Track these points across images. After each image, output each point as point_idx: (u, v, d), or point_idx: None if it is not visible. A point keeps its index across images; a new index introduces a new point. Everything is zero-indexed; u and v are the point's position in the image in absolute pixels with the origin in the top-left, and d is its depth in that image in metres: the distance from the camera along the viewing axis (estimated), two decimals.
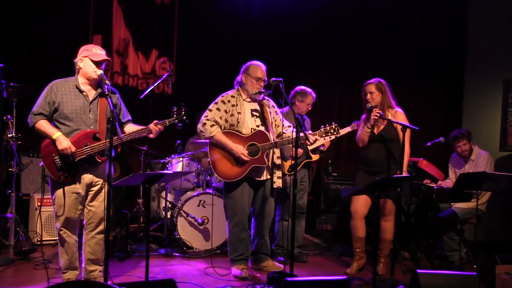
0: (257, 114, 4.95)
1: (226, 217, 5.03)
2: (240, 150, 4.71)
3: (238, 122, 4.83)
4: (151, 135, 4.32)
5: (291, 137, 4.70)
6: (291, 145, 4.73)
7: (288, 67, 7.78)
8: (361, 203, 5.26)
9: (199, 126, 4.84)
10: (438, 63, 8.02)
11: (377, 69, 7.08)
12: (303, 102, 5.75)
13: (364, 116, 5.38)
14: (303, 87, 5.82)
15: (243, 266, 4.96)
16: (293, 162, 4.52)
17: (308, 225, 6.39)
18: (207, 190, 6.21)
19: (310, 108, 5.82)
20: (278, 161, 4.99)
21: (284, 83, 4.55)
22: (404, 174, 5.00)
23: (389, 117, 5.11)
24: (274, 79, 4.65)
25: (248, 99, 4.94)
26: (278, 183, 4.96)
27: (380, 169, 5.19)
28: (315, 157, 5.80)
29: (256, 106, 4.98)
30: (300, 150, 5.50)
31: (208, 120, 4.80)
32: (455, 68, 8.01)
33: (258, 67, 4.92)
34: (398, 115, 5.18)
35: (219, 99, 4.92)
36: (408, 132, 5.04)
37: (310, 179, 5.95)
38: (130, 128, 4.41)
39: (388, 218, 5.25)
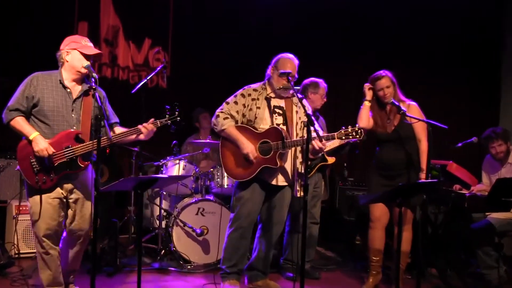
0: (280, 112, 4.92)
1: (230, 220, 5.02)
2: (250, 148, 4.71)
3: (256, 117, 4.83)
4: (141, 137, 4.28)
5: (302, 137, 4.67)
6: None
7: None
8: (381, 210, 5.22)
9: (213, 119, 4.91)
10: (472, 53, 7.94)
11: (400, 61, 7.04)
12: (317, 93, 5.73)
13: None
14: (311, 78, 5.82)
15: (235, 282, 4.94)
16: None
17: (321, 237, 6.36)
18: (207, 197, 6.17)
19: (325, 100, 5.80)
20: (300, 167, 4.94)
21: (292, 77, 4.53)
22: (423, 175, 4.98)
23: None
24: (282, 71, 4.67)
25: (273, 94, 4.92)
26: (301, 191, 4.90)
27: (399, 173, 5.16)
28: (331, 159, 5.75)
29: (280, 102, 4.95)
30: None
31: (222, 112, 4.85)
32: (492, 60, 7.93)
33: (288, 61, 4.87)
34: (412, 109, 5.14)
35: (239, 91, 4.94)
36: (424, 126, 5.03)
37: (327, 185, 5.92)
38: (118, 131, 4.38)
39: (406, 228, 5.20)
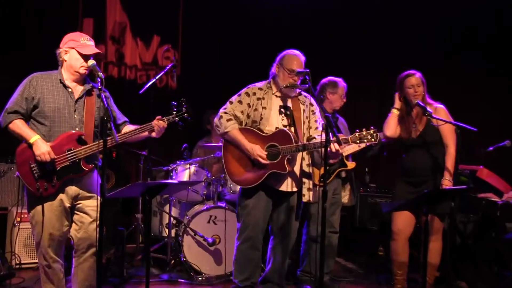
0: (287, 112, 4.89)
1: (237, 230, 4.99)
2: (257, 151, 4.66)
3: (262, 118, 4.79)
4: (153, 134, 4.29)
5: (319, 141, 4.62)
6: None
7: (316, 59, 7.74)
8: (404, 221, 5.16)
9: (216, 119, 4.87)
10: (503, 49, 7.88)
11: (425, 60, 7.01)
12: (336, 93, 5.70)
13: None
14: (330, 77, 5.79)
15: None
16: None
17: (341, 247, 6.32)
18: (219, 204, 6.16)
19: (345, 100, 5.77)
20: (308, 169, 4.91)
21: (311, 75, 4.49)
22: (450, 182, 4.96)
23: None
24: (299, 70, 4.63)
25: (278, 93, 4.89)
26: (308, 196, 4.87)
27: (425, 179, 5.12)
28: (351, 165, 5.72)
29: (288, 102, 4.91)
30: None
31: (225, 113, 4.82)
32: None
33: (294, 57, 4.83)
34: (439, 112, 5.11)
35: (243, 90, 4.92)
36: (452, 130, 5.02)
37: (354, 190, 5.89)
38: (128, 129, 4.37)
39: (435, 238, 5.14)
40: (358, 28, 8.15)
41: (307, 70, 4.59)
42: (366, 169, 7.50)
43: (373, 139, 4.57)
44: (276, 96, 4.88)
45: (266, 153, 4.66)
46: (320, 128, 4.92)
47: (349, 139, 4.59)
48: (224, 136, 4.82)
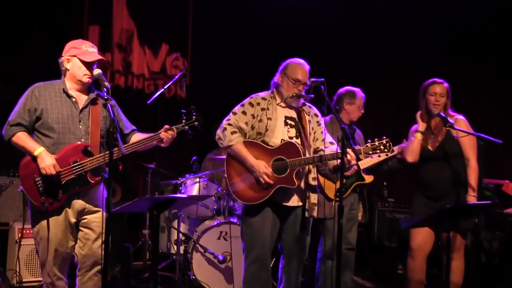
0: (292, 123, 4.84)
1: (243, 250, 4.95)
2: (262, 168, 4.58)
3: (267, 130, 4.73)
4: (162, 144, 4.30)
5: (333, 153, 4.59)
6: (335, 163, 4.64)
7: (331, 65, 7.75)
8: (424, 237, 5.14)
9: (218, 131, 4.77)
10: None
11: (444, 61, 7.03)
12: (354, 104, 5.69)
13: (415, 127, 5.31)
14: (347, 87, 5.78)
15: None
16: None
17: (358, 265, 6.29)
18: (230, 219, 6.14)
19: (363, 111, 5.76)
20: (314, 183, 4.86)
21: (326, 84, 4.46)
22: (474, 198, 4.92)
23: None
24: (314, 79, 4.57)
25: (283, 104, 4.87)
26: (312, 211, 4.84)
27: (445, 193, 5.10)
28: (368, 178, 5.69)
29: (292, 113, 4.88)
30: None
31: (229, 125, 4.73)
32: None
33: (298, 66, 4.80)
34: (459, 123, 5.10)
35: (246, 100, 4.86)
36: (473, 142, 5.03)
37: (366, 206, 5.86)
38: (137, 138, 4.37)
39: (457, 256, 5.10)
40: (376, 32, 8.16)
41: (322, 79, 4.57)
42: (384, 183, 7.48)
43: (386, 150, 4.59)
44: (281, 106, 4.85)
45: (271, 170, 4.62)
46: (329, 139, 4.91)
47: (362, 150, 4.59)
48: (228, 149, 4.74)
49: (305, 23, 8.17)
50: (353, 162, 4.52)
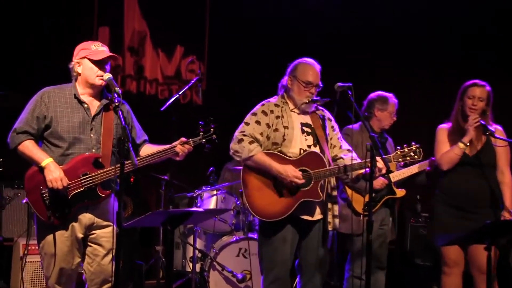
0: (309, 130, 4.79)
1: (260, 270, 4.92)
2: (291, 172, 4.56)
3: (284, 139, 4.68)
4: (177, 158, 4.30)
5: (362, 161, 4.56)
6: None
7: (355, 68, 7.77)
8: (459, 253, 5.12)
9: (233, 144, 4.67)
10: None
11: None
12: (386, 110, 5.67)
13: (449, 124, 5.26)
14: (379, 92, 5.77)
15: None
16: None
17: (388, 285, 6.25)
18: (250, 235, 6.14)
19: (395, 119, 5.75)
20: (334, 193, 4.85)
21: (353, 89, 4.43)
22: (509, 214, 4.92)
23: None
24: (340, 84, 4.50)
25: (297, 110, 4.83)
26: (333, 224, 4.81)
27: (480, 205, 5.07)
28: (400, 192, 5.66)
29: (307, 119, 4.83)
30: (379, 181, 5.40)
31: (245, 135, 4.66)
32: None
33: (309, 67, 4.75)
34: (497, 133, 5.08)
35: (258, 109, 4.78)
36: (509, 155, 5.05)
37: (395, 223, 5.82)
38: (148, 150, 4.37)
39: (485, 277, 5.05)
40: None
41: (349, 83, 4.52)
42: (418, 197, 7.43)
43: (416, 156, 4.61)
44: (295, 112, 4.79)
45: (301, 172, 4.60)
46: (345, 147, 4.87)
47: (391, 158, 4.59)
48: (248, 161, 4.64)
49: (323, 25, 8.21)
50: (383, 171, 4.50)
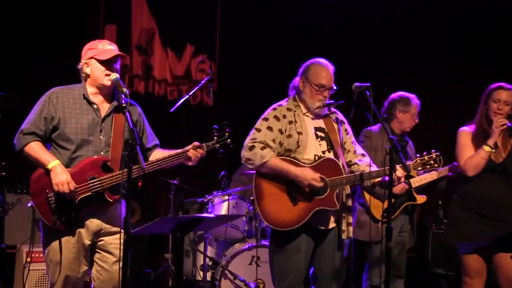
0: (322, 135, 4.76)
1: (272, 280, 4.91)
2: (310, 174, 4.49)
3: (298, 146, 4.63)
4: (189, 163, 4.28)
5: (381, 169, 4.55)
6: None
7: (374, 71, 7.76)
8: (482, 262, 5.08)
9: (244, 152, 4.64)
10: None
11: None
12: (408, 112, 5.66)
13: (471, 127, 5.24)
14: (401, 92, 5.75)
15: None
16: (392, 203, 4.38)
17: None
18: (263, 242, 6.16)
19: (417, 121, 5.73)
20: (348, 202, 4.82)
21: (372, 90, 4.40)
22: None
23: None
24: (357, 84, 4.47)
25: (310, 114, 4.80)
26: (348, 232, 4.79)
27: (503, 212, 5.04)
28: (421, 198, 5.64)
29: (320, 123, 4.79)
30: (399, 187, 5.37)
31: (257, 142, 4.61)
32: None
33: (322, 69, 4.71)
34: None
35: (269, 113, 4.73)
36: None
37: (414, 230, 5.81)
38: (159, 155, 4.36)
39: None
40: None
41: (367, 84, 4.51)
42: (439, 203, 7.41)
43: (436, 165, 4.62)
44: (307, 117, 4.75)
45: (319, 174, 4.53)
46: (360, 151, 4.86)
47: (411, 166, 4.59)
48: (261, 168, 4.61)
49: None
50: (402, 180, 4.49)
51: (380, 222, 5.38)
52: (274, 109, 4.72)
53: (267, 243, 6.05)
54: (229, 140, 4.29)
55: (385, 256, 4.21)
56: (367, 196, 5.44)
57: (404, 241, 5.70)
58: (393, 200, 5.24)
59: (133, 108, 4.37)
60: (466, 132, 5.24)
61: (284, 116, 4.66)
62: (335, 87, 4.66)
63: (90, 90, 4.24)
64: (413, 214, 5.78)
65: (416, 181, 5.56)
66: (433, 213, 7.36)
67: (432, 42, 8.19)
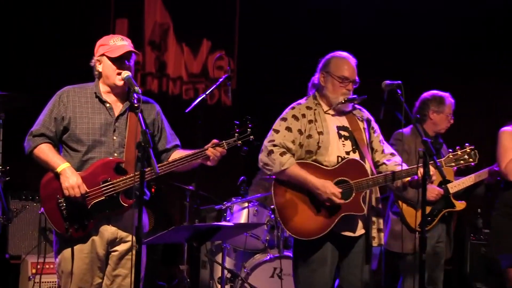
0: (346, 134, 4.74)
1: None
2: (329, 188, 4.49)
3: (319, 147, 4.63)
4: (208, 162, 4.27)
5: (412, 167, 4.53)
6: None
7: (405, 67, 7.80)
8: None
9: (262, 156, 4.66)
10: None
11: None
12: (442, 112, 5.63)
13: (507, 128, 5.22)
14: (434, 91, 5.74)
15: None
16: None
17: None
18: (286, 253, 6.15)
19: (452, 122, 5.71)
20: (376, 205, 4.80)
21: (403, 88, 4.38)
22: None
23: None
24: (388, 82, 4.47)
25: (331, 111, 4.79)
26: (379, 239, 4.77)
27: None
28: (460, 205, 5.60)
29: (343, 121, 4.78)
30: (433, 192, 5.36)
31: (275, 145, 4.61)
32: None
33: (344, 61, 4.72)
34: None
35: (288, 113, 4.74)
36: None
37: (451, 240, 5.78)
38: (177, 156, 4.35)
39: None
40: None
41: (399, 81, 4.49)
42: (478, 210, 7.38)
43: (471, 159, 4.62)
44: (329, 114, 4.75)
45: (340, 190, 4.53)
46: (388, 150, 4.84)
47: (442, 162, 4.56)
48: (280, 175, 4.62)
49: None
50: (434, 177, 4.44)
51: (416, 232, 5.34)
52: (293, 108, 4.74)
53: (290, 254, 6.04)
54: (252, 137, 4.26)
55: (419, 269, 4.18)
56: (401, 203, 5.42)
57: (441, 252, 5.68)
58: (429, 207, 5.26)
59: (150, 106, 4.38)
60: (509, 132, 5.21)
61: (304, 115, 4.67)
62: (358, 80, 4.66)
63: (103, 88, 4.27)
64: (450, 223, 5.75)
65: (454, 186, 5.52)
66: (471, 222, 7.33)
67: (463, 42, 8.26)
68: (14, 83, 6.11)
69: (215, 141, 4.24)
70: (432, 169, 4.30)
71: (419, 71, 7.95)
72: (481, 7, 7.99)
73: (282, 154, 4.56)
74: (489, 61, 8.07)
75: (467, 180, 5.52)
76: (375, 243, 4.66)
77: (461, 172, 5.45)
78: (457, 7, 8.04)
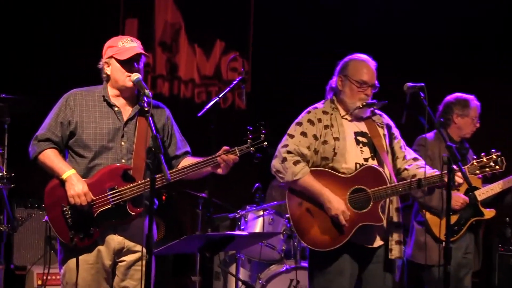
0: (364, 140, 4.72)
1: None
2: (340, 206, 4.48)
3: (335, 153, 4.60)
4: (219, 170, 4.26)
5: (436, 174, 4.51)
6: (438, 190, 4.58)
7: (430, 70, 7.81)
8: None
9: (275, 162, 4.64)
10: None
11: None
12: (467, 116, 5.60)
13: None
14: (457, 94, 5.71)
15: None
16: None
17: None
18: (303, 264, 6.13)
19: (478, 125, 5.67)
20: (396, 216, 4.78)
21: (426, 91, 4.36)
22: None
23: None
24: (410, 84, 4.45)
25: (349, 117, 4.77)
26: (396, 251, 4.74)
27: None
28: (489, 213, 5.57)
29: (361, 126, 4.76)
30: (459, 200, 5.34)
31: (288, 152, 4.58)
32: None
33: (363, 64, 4.70)
34: None
35: (303, 117, 4.71)
36: None
37: (480, 251, 5.75)
38: (187, 163, 4.37)
39: None
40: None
41: (422, 84, 4.47)
42: (507, 219, 7.35)
43: (498, 167, 4.59)
44: (347, 120, 4.72)
45: (351, 202, 4.52)
46: (411, 156, 4.81)
47: (467, 170, 4.49)
48: (293, 184, 4.61)
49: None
50: (460, 180, 4.42)
51: (443, 243, 5.31)
52: (309, 112, 4.72)
53: (307, 265, 6.05)
54: (265, 143, 4.22)
55: (444, 281, 4.16)
56: (425, 212, 5.40)
57: (469, 263, 5.63)
58: (456, 216, 5.24)
59: (161, 111, 4.37)
60: None
61: (320, 120, 4.65)
62: (377, 85, 4.64)
63: (112, 92, 4.25)
64: (478, 233, 5.71)
65: (482, 193, 5.48)
66: (499, 232, 7.30)
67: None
68: (20, 86, 6.12)
69: (226, 148, 4.21)
70: (458, 176, 4.29)
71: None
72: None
73: (295, 163, 4.54)
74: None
75: (496, 187, 5.49)
76: (391, 255, 4.61)
77: (486, 180, 5.43)
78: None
